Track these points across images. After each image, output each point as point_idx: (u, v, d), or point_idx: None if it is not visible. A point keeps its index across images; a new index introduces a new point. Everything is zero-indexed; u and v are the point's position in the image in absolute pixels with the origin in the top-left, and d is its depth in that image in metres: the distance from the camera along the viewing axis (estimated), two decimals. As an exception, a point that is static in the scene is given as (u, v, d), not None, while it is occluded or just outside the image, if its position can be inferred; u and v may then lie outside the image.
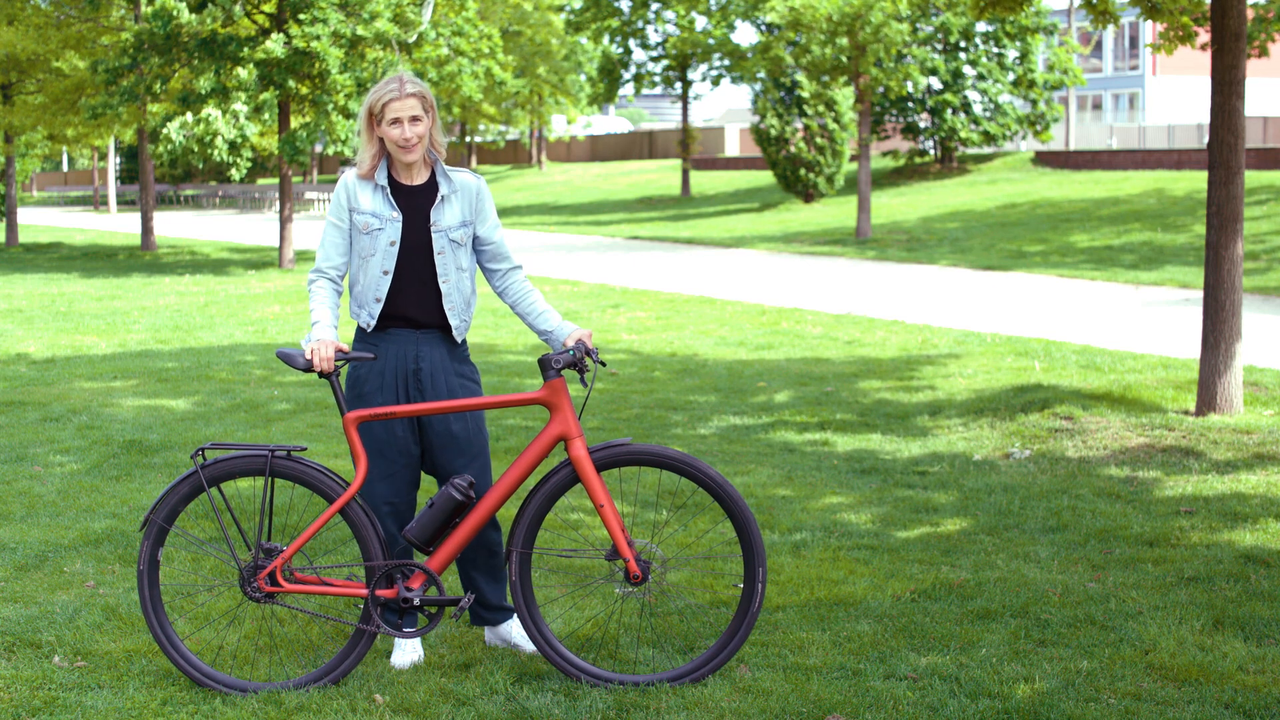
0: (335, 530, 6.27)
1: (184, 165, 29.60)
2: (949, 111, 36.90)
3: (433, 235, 4.65)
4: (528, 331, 13.55)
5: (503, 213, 40.57)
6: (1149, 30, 50.94)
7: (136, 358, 12.39)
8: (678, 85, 44.11)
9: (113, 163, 54.88)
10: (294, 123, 25.51)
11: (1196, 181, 28.81)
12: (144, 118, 26.05)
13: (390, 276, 4.63)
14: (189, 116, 21.49)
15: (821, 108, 34.29)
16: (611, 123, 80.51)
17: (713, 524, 6.37)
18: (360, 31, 21.63)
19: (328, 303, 4.63)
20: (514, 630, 4.87)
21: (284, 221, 24.03)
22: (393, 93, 4.55)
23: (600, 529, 6.25)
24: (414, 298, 4.65)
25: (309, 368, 4.42)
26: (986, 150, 40.26)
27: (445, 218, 4.67)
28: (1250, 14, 22.75)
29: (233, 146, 21.80)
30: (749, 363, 11.83)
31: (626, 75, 44.71)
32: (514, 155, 66.65)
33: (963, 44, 37.03)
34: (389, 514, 4.72)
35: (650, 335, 13.74)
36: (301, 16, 21.50)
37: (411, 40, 22.77)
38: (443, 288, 4.66)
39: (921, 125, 38.01)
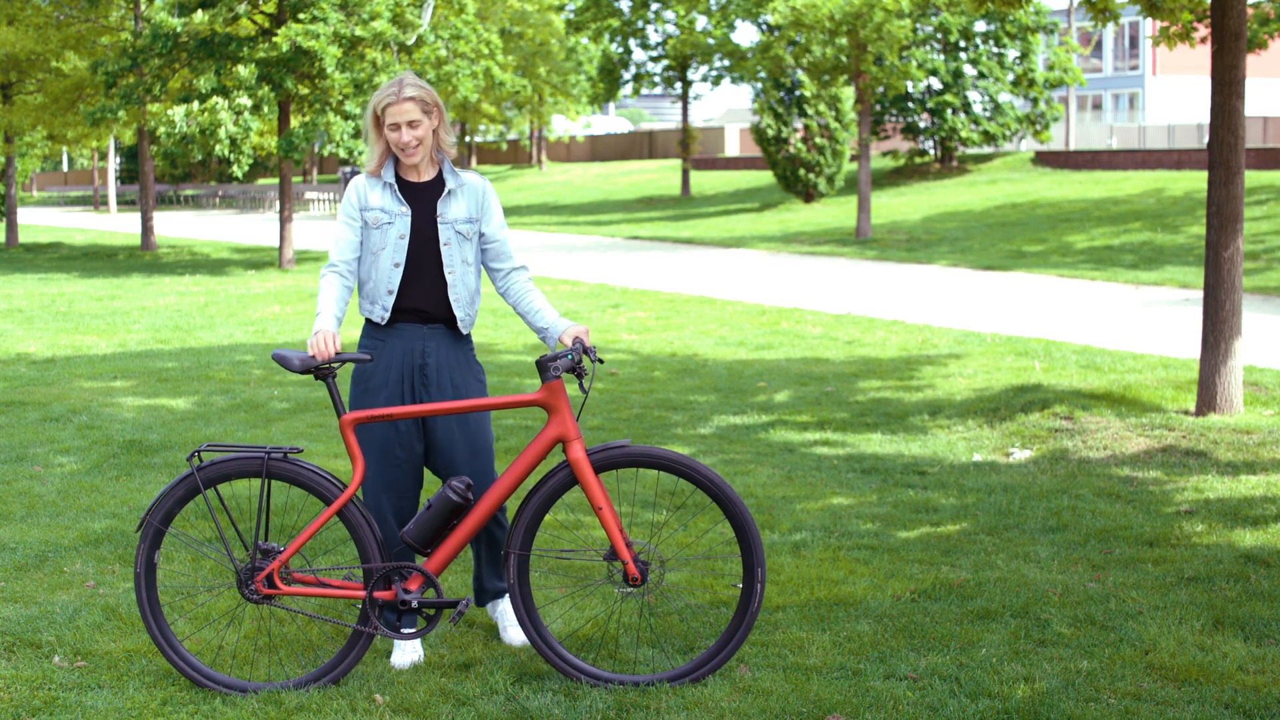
0: (334, 530, 6.27)
1: (183, 163, 29.55)
2: (949, 111, 36.91)
3: (439, 227, 4.71)
4: (528, 331, 13.55)
5: (504, 212, 40.51)
6: (1149, 28, 50.94)
7: (136, 358, 12.39)
8: (678, 85, 44.12)
9: (113, 163, 54.89)
10: (294, 122, 25.51)
11: (1196, 181, 28.81)
12: (144, 118, 26.06)
13: (401, 269, 4.69)
14: (195, 104, 21.49)
15: (822, 107, 34.28)
16: (611, 123, 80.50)
17: (712, 524, 6.37)
18: (359, 32, 21.64)
19: (335, 295, 4.67)
20: (499, 609, 4.97)
21: (284, 221, 24.03)
22: (391, 97, 4.60)
23: (599, 529, 6.25)
24: (423, 290, 4.71)
25: (304, 370, 4.43)
26: (986, 150, 40.26)
27: (452, 210, 4.74)
28: (1250, 13, 22.75)
29: (233, 143, 21.80)
30: (749, 363, 11.83)
31: (626, 75, 44.72)
32: (514, 155, 66.67)
33: (962, 44, 37.03)
34: (392, 512, 4.74)
35: (650, 335, 13.74)
36: (301, 16, 21.50)
37: (410, 43, 22.77)
38: (448, 279, 4.72)
39: (921, 125, 38.01)
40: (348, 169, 42.40)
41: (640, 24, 43.44)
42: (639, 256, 24.85)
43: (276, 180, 41.55)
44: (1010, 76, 37.28)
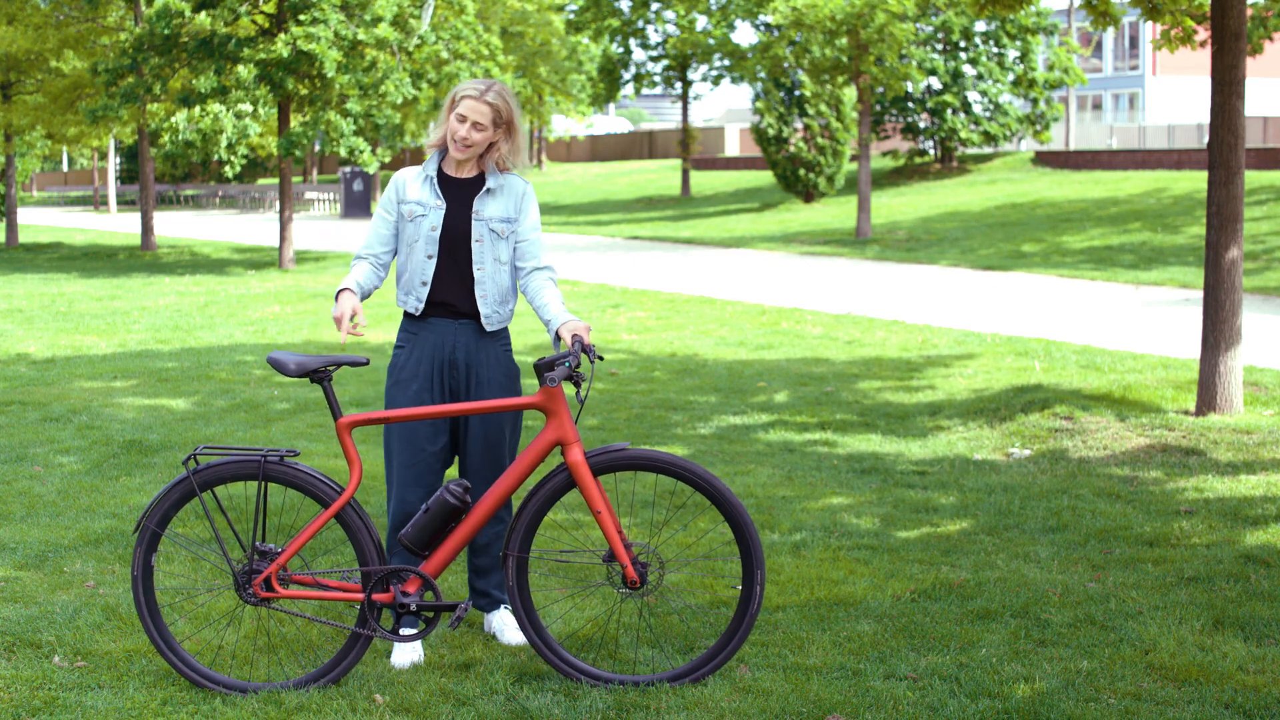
0: (334, 530, 6.27)
1: (184, 165, 29.55)
2: (949, 112, 36.91)
3: (474, 223, 4.77)
4: (528, 332, 13.54)
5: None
6: (1150, 30, 50.93)
7: (136, 358, 12.39)
8: (678, 85, 44.12)
9: (113, 163, 54.88)
10: (293, 122, 25.51)
11: (1196, 181, 28.81)
12: (144, 118, 26.06)
13: (434, 261, 4.76)
14: (197, 110, 21.50)
15: (823, 107, 34.28)
16: (611, 123, 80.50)
17: (712, 525, 6.37)
18: (361, 36, 21.64)
19: (363, 271, 4.77)
20: (494, 621, 4.96)
21: (284, 221, 24.03)
22: (472, 91, 4.70)
23: (598, 529, 6.24)
24: (454, 284, 4.78)
25: (299, 374, 4.42)
26: (986, 150, 40.26)
27: (488, 208, 4.79)
28: (1249, 13, 22.73)
29: (230, 145, 21.81)
30: (749, 363, 11.83)
31: (626, 75, 44.73)
32: (514, 155, 66.56)
33: (963, 44, 37.03)
34: (416, 502, 4.76)
35: (650, 335, 13.74)
36: (302, 17, 21.50)
37: (411, 48, 22.76)
38: (476, 274, 4.77)
39: (921, 125, 38.01)
40: (348, 169, 42.41)
41: (640, 24, 43.45)
42: (639, 256, 24.85)
43: (276, 180, 41.55)
44: (1010, 77, 37.28)
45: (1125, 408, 8.92)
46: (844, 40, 26.85)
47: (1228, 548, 5.94)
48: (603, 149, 62.89)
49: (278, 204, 25.82)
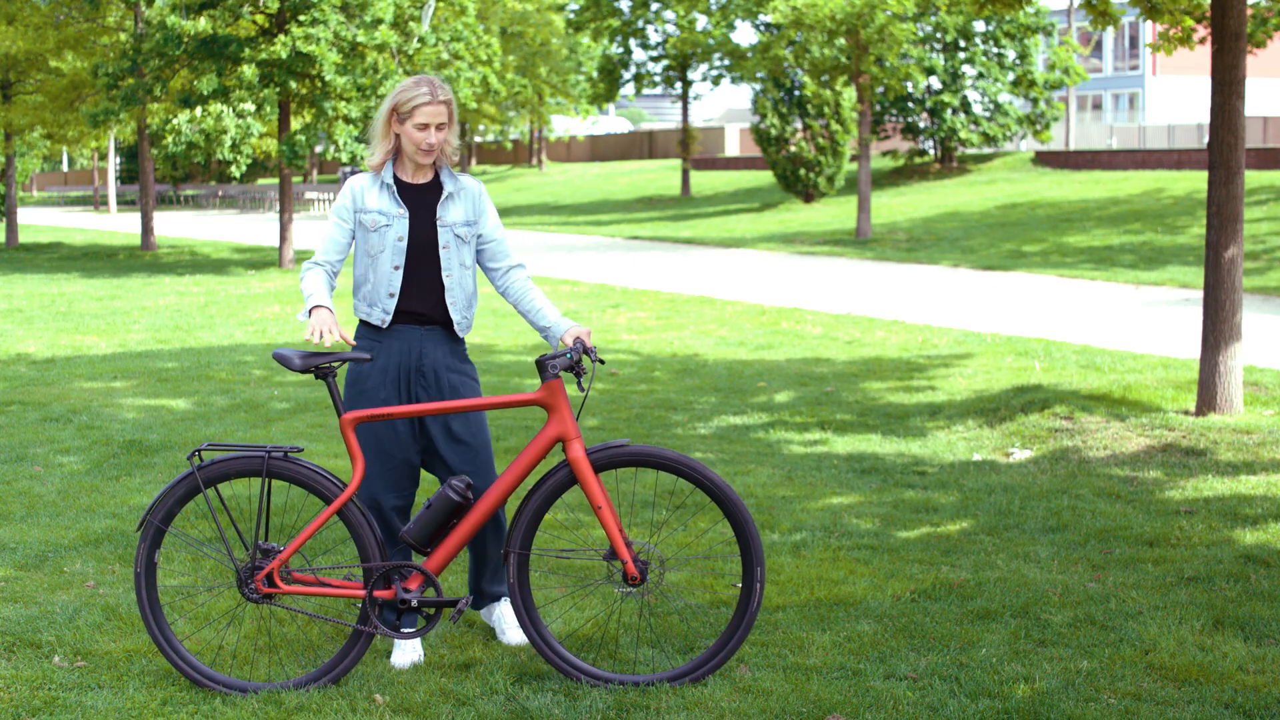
0: (334, 530, 6.27)
1: (184, 164, 29.49)
2: (949, 112, 36.90)
3: (439, 230, 4.72)
4: (527, 331, 13.55)
5: (503, 212, 40.57)
6: (1149, 30, 50.93)
7: (136, 358, 12.39)
8: (678, 85, 44.12)
9: (113, 163, 54.89)
10: (294, 124, 25.51)
11: (1196, 181, 28.81)
12: (144, 119, 26.05)
13: (401, 272, 4.69)
14: (198, 111, 21.50)
15: (825, 108, 34.28)
16: (611, 123, 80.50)
17: (712, 524, 6.37)
18: (361, 38, 21.64)
19: (323, 284, 4.68)
20: (494, 614, 4.96)
21: (284, 222, 24.04)
22: (425, 97, 4.61)
23: (599, 528, 6.25)
24: (421, 292, 4.72)
25: (305, 369, 4.42)
26: (986, 150, 40.26)
27: (451, 214, 4.74)
28: (1249, 12, 22.72)
29: (234, 145, 21.81)
30: (749, 363, 11.83)
31: (626, 75, 44.72)
32: (514, 155, 66.68)
33: (962, 44, 37.02)
34: (391, 513, 4.74)
35: (650, 335, 13.74)
36: (302, 18, 21.50)
37: (412, 51, 22.76)
38: (445, 282, 4.72)
39: (921, 125, 38.01)
40: (347, 169, 42.39)
41: (640, 24, 43.44)
42: (639, 256, 24.85)
43: (276, 180, 41.57)
44: (1010, 77, 37.27)
45: (1125, 408, 8.92)
46: (843, 40, 26.85)
47: (1228, 548, 5.94)
48: (603, 149, 62.89)
49: (278, 204, 25.79)
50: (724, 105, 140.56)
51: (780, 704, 4.27)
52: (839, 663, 4.62)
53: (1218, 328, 8.58)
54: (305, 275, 4.71)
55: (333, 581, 4.56)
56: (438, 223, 4.72)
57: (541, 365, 4.43)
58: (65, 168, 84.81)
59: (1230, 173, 8.48)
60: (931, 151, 39.19)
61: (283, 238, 23.97)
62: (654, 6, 42.83)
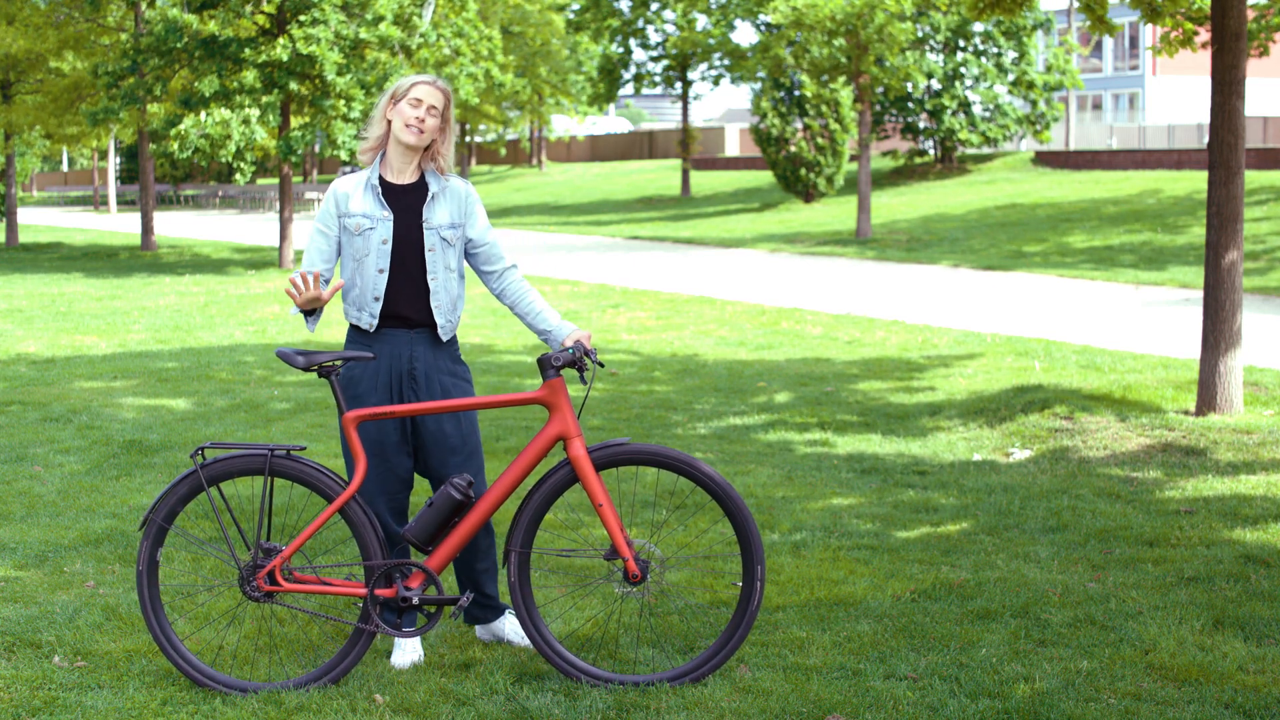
0: (335, 530, 6.27)
1: (185, 165, 29.55)
2: (948, 113, 36.90)
3: (424, 232, 4.69)
4: (526, 332, 13.55)
5: (503, 213, 40.59)
6: (1149, 31, 50.92)
7: (136, 358, 12.39)
8: (678, 85, 44.12)
9: (113, 163, 54.87)
10: (294, 123, 25.52)
11: (1196, 181, 28.82)
12: (144, 119, 26.05)
13: (386, 275, 4.66)
14: (203, 116, 21.49)
15: (824, 108, 34.28)
16: (611, 123, 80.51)
17: (712, 523, 6.37)
18: (363, 35, 21.64)
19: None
20: (506, 626, 4.89)
21: (284, 221, 24.04)
22: (425, 79, 4.70)
23: (599, 528, 6.25)
24: (408, 295, 4.69)
25: (308, 367, 4.43)
26: (986, 150, 40.26)
27: (436, 215, 4.71)
28: (1250, 14, 22.75)
29: (239, 151, 21.82)
30: (749, 363, 11.83)
31: (626, 75, 44.73)
32: (514, 155, 66.68)
33: (961, 44, 37.02)
34: (386, 513, 4.73)
35: (650, 335, 13.74)
36: (302, 18, 21.50)
37: (415, 46, 22.76)
38: (430, 285, 4.69)
39: (921, 125, 38.01)
40: (348, 169, 42.36)
41: (640, 24, 43.45)
42: (639, 256, 24.85)
43: (276, 180, 41.55)
44: (1010, 77, 37.26)
45: (1125, 408, 8.92)
46: (842, 40, 26.84)
47: (1228, 548, 5.94)
48: (603, 149, 62.88)
49: (278, 204, 25.80)
50: (724, 105, 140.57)
51: (780, 704, 4.27)
52: (839, 663, 4.63)
53: (1218, 328, 8.58)
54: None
55: (334, 580, 4.56)
56: (423, 225, 4.68)
57: (543, 364, 4.44)
58: (65, 168, 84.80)
59: (1230, 173, 8.48)
60: (931, 152, 39.19)
61: (283, 237, 23.97)
62: (654, 6, 42.83)
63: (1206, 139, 11.67)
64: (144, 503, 6.90)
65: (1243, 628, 4.91)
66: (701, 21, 42.64)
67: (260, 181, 61.44)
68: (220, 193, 56.26)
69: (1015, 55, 37.09)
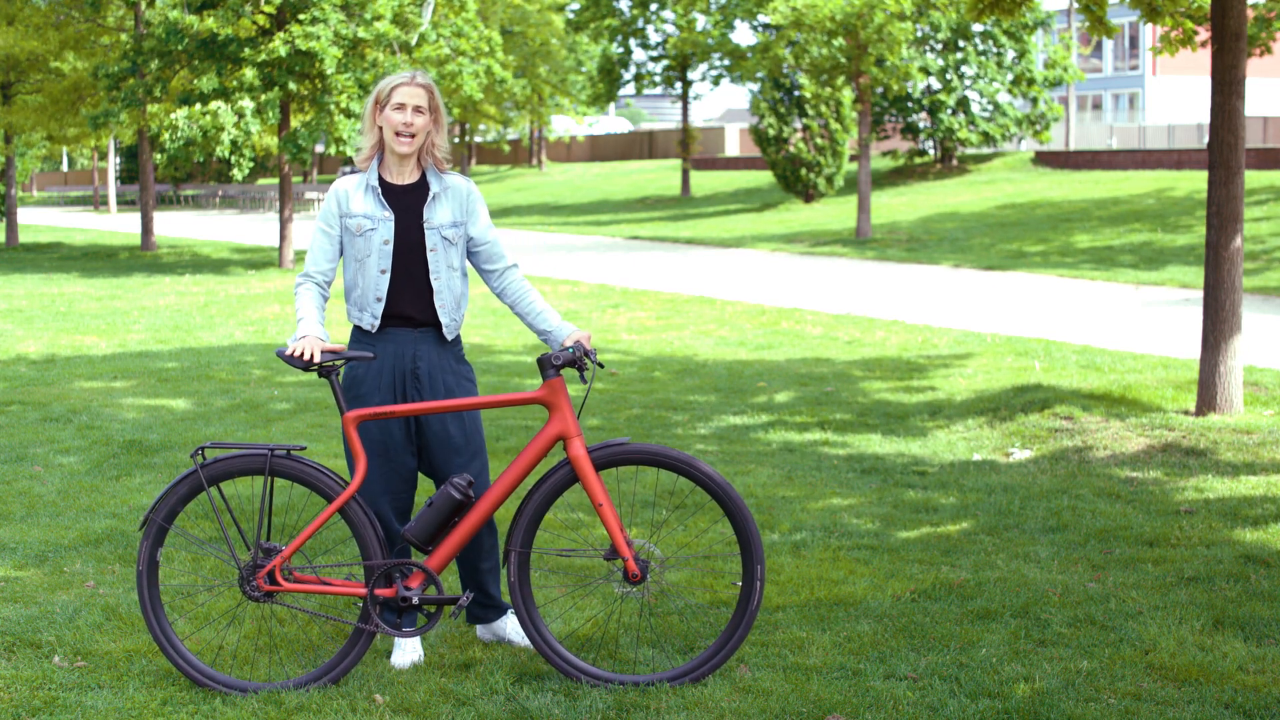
0: (335, 529, 6.27)
1: (185, 165, 29.47)
2: (947, 112, 36.90)
3: (426, 232, 4.68)
4: (527, 332, 13.55)
5: (503, 212, 40.58)
6: (1149, 31, 50.92)
7: (136, 358, 12.39)
8: (678, 85, 44.12)
9: (113, 163, 54.88)
10: (294, 122, 25.51)
11: (1196, 181, 28.81)
12: (144, 120, 26.05)
13: (388, 275, 4.66)
14: (197, 107, 21.48)
15: (824, 108, 34.28)
16: (611, 123, 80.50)
17: (711, 523, 6.37)
18: (362, 34, 21.64)
19: (314, 303, 4.66)
20: (508, 626, 4.89)
21: (284, 221, 24.04)
22: (403, 79, 4.65)
23: (599, 528, 6.25)
24: (410, 295, 4.68)
25: (309, 366, 4.42)
26: (986, 150, 40.26)
27: (437, 215, 4.70)
28: (1250, 14, 22.75)
29: (235, 146, 21.80)
30: (749, 363, 11.83)
31: (626, 75, 44.73)
32: (514, 155, 66.68)
33: (960, 43, 37.02)
34: (388, 513, 4.73)
35: (650, 335, 13.74)
36: (301, 17, 21.50)
37: (414, 43, 22.76)
38: (434, 284, 4.68)
39: (921, 125, 38.01)
40: (348, 168, 42.32)
41: (640, 24, 43.44)
42: (639, 256, 24.85)
43: (276, 180, 41.56)
44: (1009, 76, 37.26)
45: (1125, 408, 8.93)
46: (842, 40, 26.84)
47: (1228, 548, 5.94)
48: (603, 149, 62.88)
49: (278, 204, 25.79)
50: (724, 105, 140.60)
51: (780, 704, 4.27)
52: (839, 663, 4.63)
53: (1218, 328, 8.58)
54: (297, 292, 4.70)
55: (334, 580, 4.56)
56: (424, 224, 4.67)
57: (543, 363, 4.44)
58: (65, 168, 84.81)
59: (1230, 173, 8.48)
60: (931, 152, 39.18)
61: (283, 237, 23.97)
62: (653, 6, 42.83)
63: (1206, 139, 11.67)
64: (144, 503, 6.91)
65: (1243, 628, 4.91)
66: (701, 22, 42.65)
67: (260, 181, 61.46)
68: (220, 193, 56.26)
69: (1015, 55, 37.08)
